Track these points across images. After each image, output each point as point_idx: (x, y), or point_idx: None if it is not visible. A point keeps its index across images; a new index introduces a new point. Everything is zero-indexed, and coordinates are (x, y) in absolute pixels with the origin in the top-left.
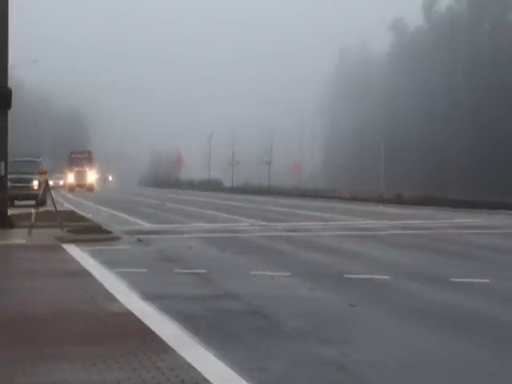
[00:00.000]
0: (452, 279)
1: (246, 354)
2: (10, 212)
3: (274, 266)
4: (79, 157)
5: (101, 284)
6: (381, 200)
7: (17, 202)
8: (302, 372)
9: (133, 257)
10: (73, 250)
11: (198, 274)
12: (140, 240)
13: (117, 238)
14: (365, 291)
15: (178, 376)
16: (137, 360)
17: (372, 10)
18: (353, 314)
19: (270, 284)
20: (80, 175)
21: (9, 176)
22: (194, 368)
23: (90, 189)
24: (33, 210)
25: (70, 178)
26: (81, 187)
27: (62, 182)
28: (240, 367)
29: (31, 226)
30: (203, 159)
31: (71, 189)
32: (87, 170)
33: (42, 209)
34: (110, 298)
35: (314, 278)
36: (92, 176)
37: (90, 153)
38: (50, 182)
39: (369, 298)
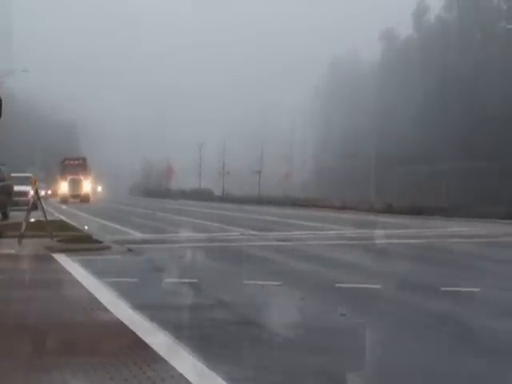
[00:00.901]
0: (443, 288)
1: (237, 364)
2: None
3: (265, 276)
4: (73, 164)
5: (91, 294)
6: (371, 209)
7: None
8: (293, 382)
9: (123, 266)
10: (63, 260)
11: (189, 283)
12: (130, 250)
13: (107, 248)
14: (356, 300)
15: None
16: (127, 370)
17: (362, 20)
18: (344, 323)
19: (261, 293)
20: (74, 184)
21: None
22: (185, 378)
23: (85, 199)
24: (23, 220)
25: (63, 187)
26: (75, 198)
27: (44, 192)
28: (231, 377)
29: (21, 236)
30: (194, 169)
31: (64, 199)
32: (82, 178)
33: (32, 218)
34: (101, 307)
35: (305, 288)
36: (87, 185)
37: (84, 160)
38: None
39: (360, 308)
